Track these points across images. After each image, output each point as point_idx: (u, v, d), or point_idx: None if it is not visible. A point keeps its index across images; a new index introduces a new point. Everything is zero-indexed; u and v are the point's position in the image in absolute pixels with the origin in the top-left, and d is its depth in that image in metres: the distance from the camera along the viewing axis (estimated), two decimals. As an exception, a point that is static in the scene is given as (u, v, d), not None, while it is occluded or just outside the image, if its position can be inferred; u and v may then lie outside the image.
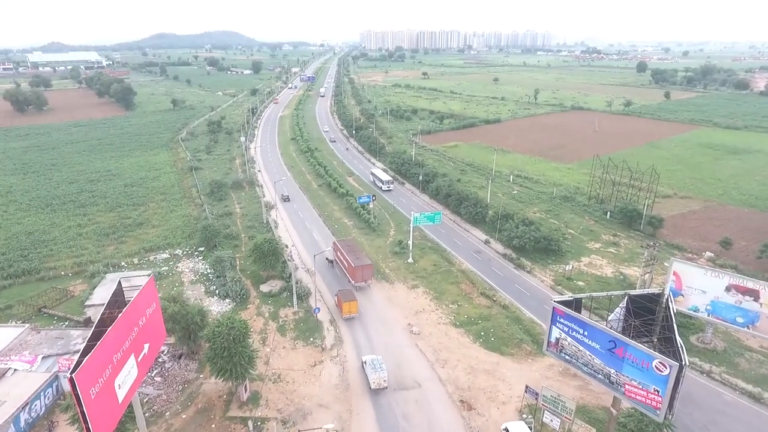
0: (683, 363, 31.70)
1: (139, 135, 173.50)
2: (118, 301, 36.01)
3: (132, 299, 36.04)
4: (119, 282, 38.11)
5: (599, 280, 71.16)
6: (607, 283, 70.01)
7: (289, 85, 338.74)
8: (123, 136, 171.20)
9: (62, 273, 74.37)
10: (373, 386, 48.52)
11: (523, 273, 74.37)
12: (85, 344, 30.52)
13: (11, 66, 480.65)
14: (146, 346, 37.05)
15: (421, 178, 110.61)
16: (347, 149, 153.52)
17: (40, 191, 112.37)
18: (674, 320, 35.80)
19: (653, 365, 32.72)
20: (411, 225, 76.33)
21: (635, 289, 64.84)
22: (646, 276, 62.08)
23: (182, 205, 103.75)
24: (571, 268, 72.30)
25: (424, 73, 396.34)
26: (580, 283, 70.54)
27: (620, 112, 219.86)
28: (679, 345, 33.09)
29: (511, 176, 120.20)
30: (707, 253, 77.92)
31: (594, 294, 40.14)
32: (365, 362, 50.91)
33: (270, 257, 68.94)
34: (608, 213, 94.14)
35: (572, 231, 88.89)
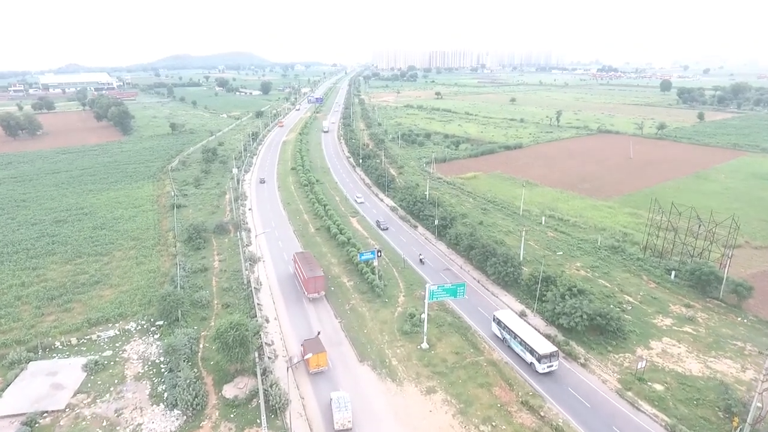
0: None
1: (128, 164, 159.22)
2: None
3: None
4: None
5: (684, 382, 52.12)
6: (697, 389, 50.99)
7: (297, 107, 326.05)
8: (110, 165, 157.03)
9: (-25, 360, 57.74)
10: (336, 427, 45.90)
11: (575, 366, 55.72)
12: None
13: (21, 88, 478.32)
14: None
15: (436, 222, 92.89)
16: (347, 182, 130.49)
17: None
18: None
19: None
20: (426, 300, 58.41)
21: (734, 395, 46.09)
22: (765, 393, 43.19)
23: (153, 255, 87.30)
24: (644, 364, 53.37)
25: (437, 94, 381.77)
26: (657, 386, 51.65)
27: (653, 135, 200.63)
28: None
29: (543, 218, 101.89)
30: (821, 338, 58.58)
31: None
32: (332, 399, 47.99)
33: (237, 349, 51.45)
34: (673, 273, 75.10)
35: (630, 299, 70.05)
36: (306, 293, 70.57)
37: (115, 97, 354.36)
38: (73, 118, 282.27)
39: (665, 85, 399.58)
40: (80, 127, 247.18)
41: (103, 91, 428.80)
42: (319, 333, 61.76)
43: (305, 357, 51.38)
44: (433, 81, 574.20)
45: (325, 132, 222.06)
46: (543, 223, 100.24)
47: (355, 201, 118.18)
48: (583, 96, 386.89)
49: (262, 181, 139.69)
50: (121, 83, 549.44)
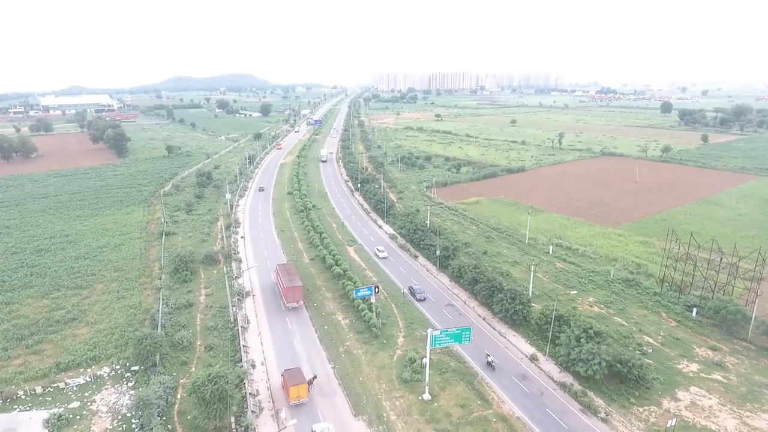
0: None
1: (120, 188, 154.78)
2: None
3: None
4: None
5: (720, 443, 46.19)
6: (736, 452, 45.03)
7: (296, 129, 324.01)
8: (101, 189, 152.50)
9: (-75, 414, 51.83)
10: None
11: (596, 422, 49.72)
12: None
13: (21, 109, 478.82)
14: None
15: (438, 252, 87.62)
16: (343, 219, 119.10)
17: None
18: None
19: None
20: (428, 346, 52.78)
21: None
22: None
23: (136, 288, 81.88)
24: (674, 422, 47.46)
25: (438, 115, 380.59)
26: (690, 447, 45.71)
27: (658, 158, 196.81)
28: None
29: (551, 247, 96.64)
30: None
31: None
32: (314, 431, 46.82)
33: (215, 405, 45.69)
34: (694, 310, 69.54)
35: (650, 339, 64.33)
36: (286, 303, 73.90)
37: (113, 119, 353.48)
38: (70, 140, 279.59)
39: (666, 107, 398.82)
40: (76, 149, 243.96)
41: (104, 113, 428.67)
42: (315, 377, 56.39)
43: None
44: (433, 103, 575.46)
45: (323, 161, 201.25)
46: (550, 252, 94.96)
47: (376, 255, 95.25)
48: (584, 118, 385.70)
49: (261, 189, 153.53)
50: (122, 105, 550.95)
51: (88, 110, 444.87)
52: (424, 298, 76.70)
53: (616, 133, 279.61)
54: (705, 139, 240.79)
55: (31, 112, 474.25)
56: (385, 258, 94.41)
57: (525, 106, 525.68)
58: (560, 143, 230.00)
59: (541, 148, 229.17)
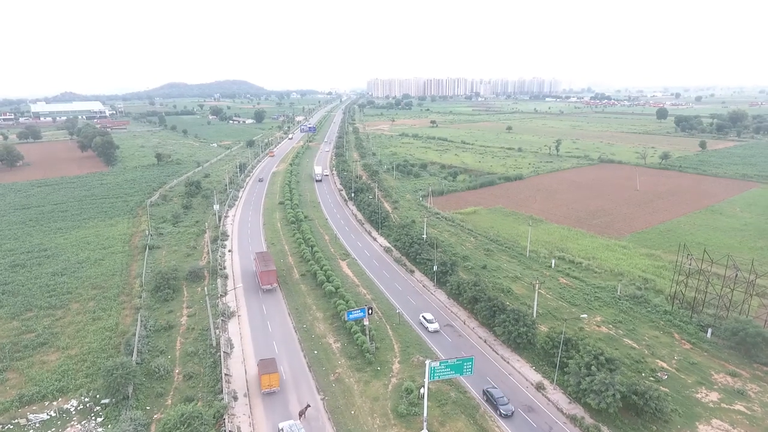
0: None
1: (105, 198, 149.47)
2: None
3: None
4: None
5: (750, 488, 41.66)
6: (770, 499, 40.49)
7: (289, 136, 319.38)
8: (85, 200, 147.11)
9: None
10: None
11: (611, 462, 45.07)
12: None
13: (11, 116, 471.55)
14: None
15: (435, 268, 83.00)
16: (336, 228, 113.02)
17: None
18: None
19: None
20: (426, 378, 47.98)
21: None
22: None
23: (114, 308, 76.73)
24: (698, 464, 42.93)
25: (433, 122, 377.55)
26: (718, 493, 41.13)
27: (657, 165, 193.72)
28: None
29: (553, 261, 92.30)
30: None
31: None
32: (282, 429, 46.49)
33: (188, 451, 40.75)
34: (709, 330, 65.24)
35: (664, 364, 59.87)
36: (261, 285, 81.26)
37: (104, 126, 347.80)
38: (59, 148, 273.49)
39: (661, 113, 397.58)
40: (64, 157, 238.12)
41: (95, 120, 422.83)
42: (308, 406, 51.71)
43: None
44: (428, 109, 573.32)
45: (318, 181, 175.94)
46: (553, 266, 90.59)
47: (424, 325, 69.39)
48: (580, 124, 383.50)
49: (261, 180, 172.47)
50: (114, 112, 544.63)
51: (80, 117, 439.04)
52: (512, 413, 50.74)
53: (613, 140, 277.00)
54: (703, 145, 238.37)
55: (22, 119, 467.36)
56: (436, 331, 68.25)
57: (520, 113, 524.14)
58: (557, 150, 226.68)
59: (538, 155, 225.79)
